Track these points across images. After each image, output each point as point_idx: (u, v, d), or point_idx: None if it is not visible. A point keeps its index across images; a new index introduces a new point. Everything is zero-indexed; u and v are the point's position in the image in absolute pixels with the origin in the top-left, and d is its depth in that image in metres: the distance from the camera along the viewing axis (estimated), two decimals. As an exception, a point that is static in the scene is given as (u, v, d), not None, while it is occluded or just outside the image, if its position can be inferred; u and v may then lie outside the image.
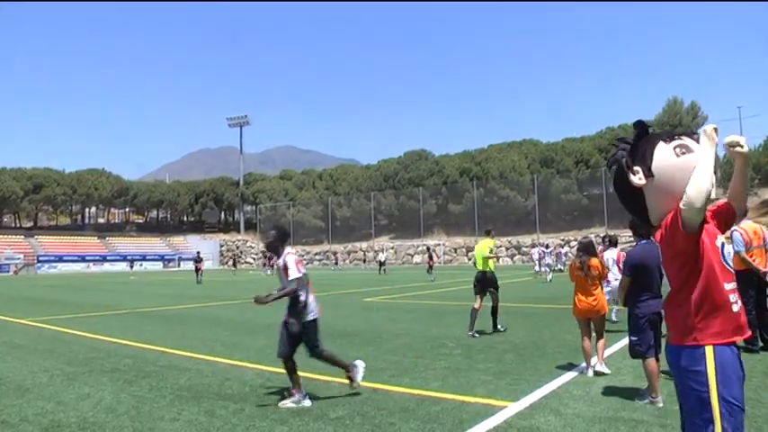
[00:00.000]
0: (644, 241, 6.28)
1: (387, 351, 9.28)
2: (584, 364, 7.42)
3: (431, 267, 34.53)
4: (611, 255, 11.14)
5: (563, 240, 56.40)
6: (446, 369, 7.70)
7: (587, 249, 7.60)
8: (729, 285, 2.71)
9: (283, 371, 6.30)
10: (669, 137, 2.80)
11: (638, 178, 2.78)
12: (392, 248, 72.06)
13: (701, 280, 2.69)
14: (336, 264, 63.98)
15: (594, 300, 7.38)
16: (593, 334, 7.46)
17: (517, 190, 68.65)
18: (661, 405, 5.77)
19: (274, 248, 6.58)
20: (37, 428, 5.42)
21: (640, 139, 2.84)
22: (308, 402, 6.07)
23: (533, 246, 47.16)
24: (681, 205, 2.56)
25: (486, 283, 11.37)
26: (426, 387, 6.69)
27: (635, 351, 6.12)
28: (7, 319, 15.32)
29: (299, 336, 6.37)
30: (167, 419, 5.63)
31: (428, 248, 40.31)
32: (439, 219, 74.69)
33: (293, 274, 6.28)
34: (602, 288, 7.55)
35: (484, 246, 11.54)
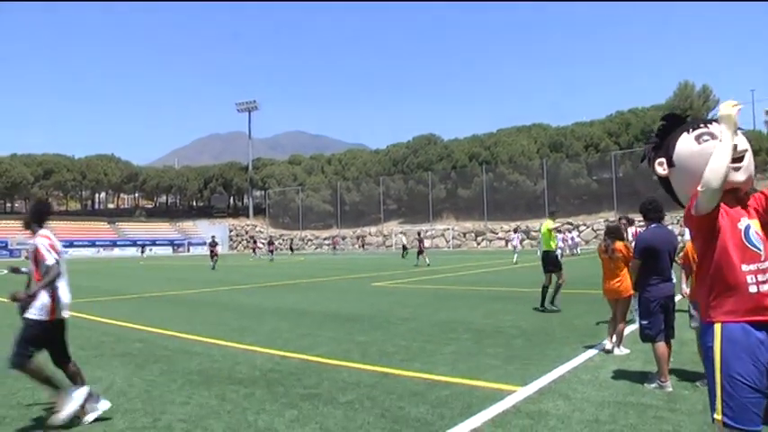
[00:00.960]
0: (654, 225, 6.29)
1: (395, 335, 9.30)
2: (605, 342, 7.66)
3: (421, 252, 34.57)
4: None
5: (572, 225, 56.23)
6: (455, 354, 7.71)
7: (614, 233, 7.87)
8: (749, 266, 2.69)
9: (295, 354, 6.29)
10: (695, 126, 2.90)
11: (661, 169, 2.97)
12: (401, 233, 72.09)
13: (715, 259, 2.74)
14: (335, 248, 63.94)
15: (618, 282, 7.63)
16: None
17: (526, 174, 68.36)
18: (670, 390, 5.77)
19: (27, 226, 5.69)
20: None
21: (668, 131, 3.00)
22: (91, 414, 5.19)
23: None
24: (699, 188, 2.64)
25: (547, 261, 12.10)
26: (435, 371, 6.71)
27: (645, 335, 6.12)
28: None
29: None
30: (178, 403, 5.67)
31: (419, 233, 40.16)
32: (448, 203, 74.57)
33: (49, 259, 5.30)
34: (628, 270, 7.53)
35: (545, 226, 12.38)
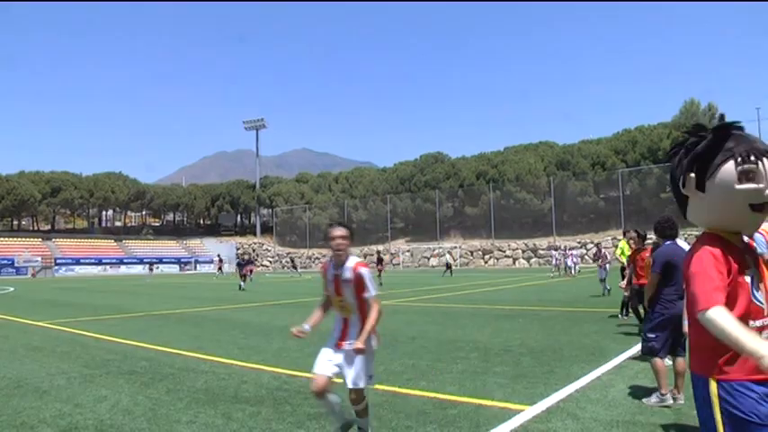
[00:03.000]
0: (668, 242, 6.30)
1: (403, 354, 9.26)
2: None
3: (379, 273, 32.50)
4: None
5: (579, 243, 56.12)
6: (463, 372, 7.66)
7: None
8: (756, 323, 2.48)
9: (302, 373, 6.22)
10: (745, 158, 2.44)
11: (688, 187, 2.56)
12: (408, 251, 72.01)
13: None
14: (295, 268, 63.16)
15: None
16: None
17: (533, 192, 68.35)
18: (671, 402, 5.76)
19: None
20: (55, 430, 5.45)
21: (714, 144, 2.54)
22: None
23: (554, 249, 47.78)
24: (708, 314, 2.32)
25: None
26: (443, 390, 6.66)
27: (649, 347, 6.07)
28: (26, 321, 15.46)
29: None
30: (184, 422, 5.64)
31: (377, 252, 39.02)
32: (455, 221, 74.56)
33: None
34: None
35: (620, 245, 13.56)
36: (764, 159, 2.44)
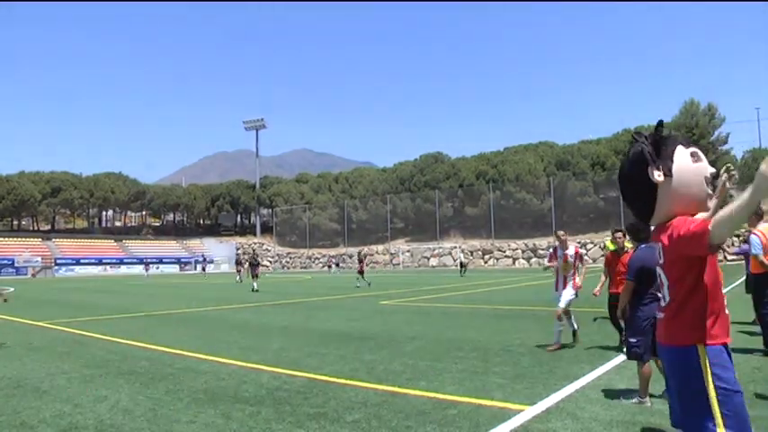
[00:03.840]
0: (643, 245, 6.27)
1: (403, 354, 9.26)
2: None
3: (361, 272, 31.23)
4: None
5: (579, 243, 56.08)
6: (462, 372, 7.67)
7: None
8: (723, 290, 2.88)
9: (302, 373, 6.26)
10: (686, 143, 2.93)
11: (657, 175, 2.84)
12: (408, 251, 72.00)
13: (706, 287, 2.80)
14: (338, 266, 63.28)
15: None
16: None
17: (533, 192, 68.34)
18: (649, 405, 5.85)
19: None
20: (55, 430, 5.45)
21: (659, 138, 2.92)
22: None
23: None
24: (711, 227, 2.56)
25: None
26: (443, 390, 6.66)
27: (633, 353, 6.08)
28: (26, 321, 15.46)
29: None
30: (184, 422, 5.64)
31: (359, 253, 37.62)
32: (455, 222, 74.56)
33: None
34: None
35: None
36: (695, 146, 2.96)
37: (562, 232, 10.08)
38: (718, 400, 2.70)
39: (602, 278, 9.80)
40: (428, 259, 69.52)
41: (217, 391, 6.93)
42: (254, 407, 6.14)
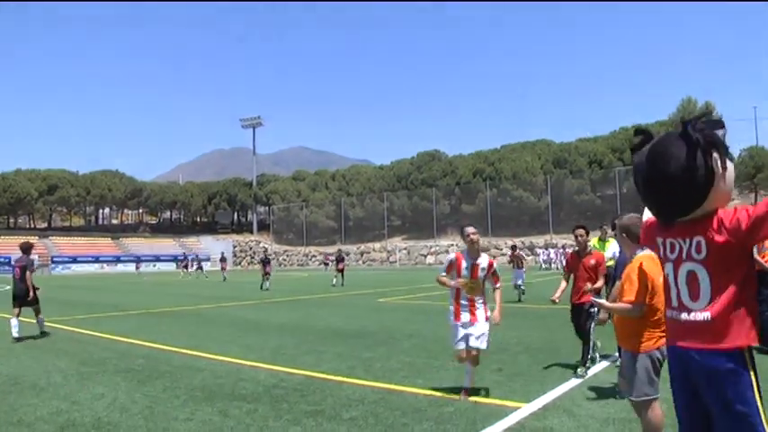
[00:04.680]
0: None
1: (400, 352, 9.28)
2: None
3: (340, 272, 30.23)
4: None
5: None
6: (459, 370, 7.66)
7: None
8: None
9: (299, 371, 6.27)
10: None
11: (720, 165, 2.63)
12: (405, 249, 72.01)
13: (754, 280, 2.68)
14: (327, 265, 61.51)
15: None
16: None
17: (530, 190, 68.33)
18: None
19: None
20: (52, 427, 5.46)
21: (718, 125, 2.76)
22: None
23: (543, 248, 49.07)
24: None
25: None
26: (439, 388, 6.68)
27: None
28: (23, 319, 15.40)
29: None
30: (181, 419, 5.65)
31: (339, 251, 35.54)
32: (452, 219, 74.52)
33: None
34: None
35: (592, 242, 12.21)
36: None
37: (472, 229, 6.64)
38: (764, 409, 2.58)
39: (563, 284, 8.19)
40: (425, 257, 69.49)
41: (214, 388, 6.94)
42: (251, 404, 6.15)
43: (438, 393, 6.44)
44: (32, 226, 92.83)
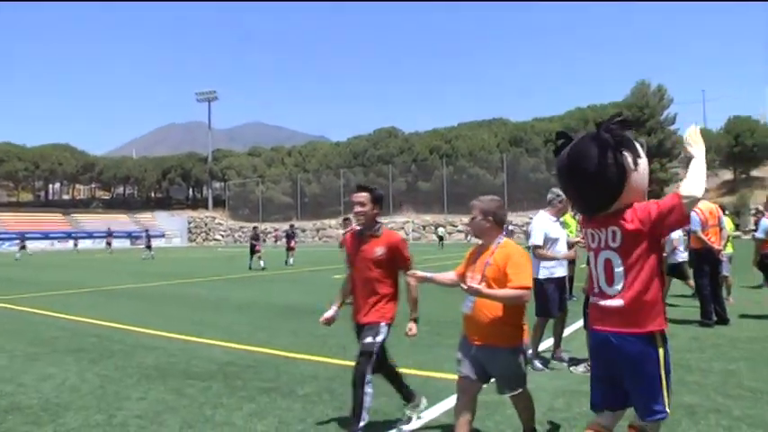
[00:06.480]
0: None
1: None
2: None
3: (290, 250, 28.65)
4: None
5: (531, 218, 56.88)
6: (413, 345, 7.72)
7: None
8: None
9: (253, 348, 6.24)
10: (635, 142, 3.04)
11: (632, 163, 2.93)
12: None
13: (662, 271, 2.97)
14: (276, 241, 60.00)
15: None
16: None
17: (486, 168, 68.94)
18: None
19: None
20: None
21: (628, 127, 3.00)
22: None
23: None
24: (683, 200, 2.78)
25: None
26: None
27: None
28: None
29: None
30: (134, 399, 5.59)
31: (291, 226, 34.81)
32: (408, 196, 74.77)
33: None
34: None
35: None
36: None
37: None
38: (666, 383, 2.91)
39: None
40: (381, 234, 69.69)
41: (167, 366, 6.88)
42: (205, 382, 6.11)
43: (393, 369, 6.49)
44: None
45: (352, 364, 6.77)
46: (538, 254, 6.43)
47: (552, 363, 6.77)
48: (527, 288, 3.69)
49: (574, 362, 6.55)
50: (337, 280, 18.47)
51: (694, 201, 2.78)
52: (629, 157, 2.91)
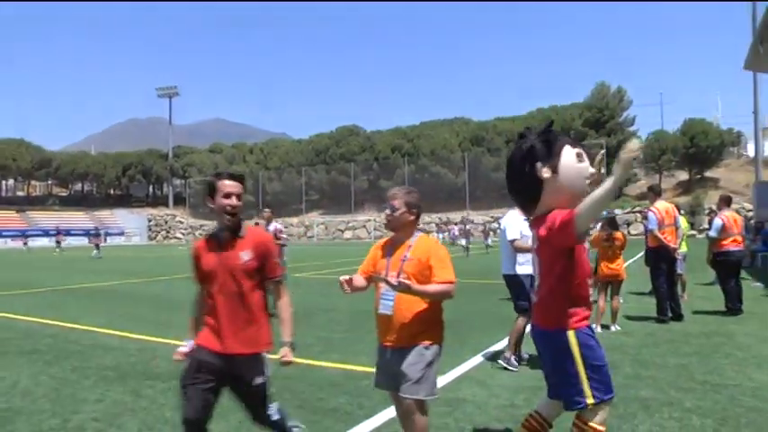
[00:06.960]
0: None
1: (316, 327, 9.30)
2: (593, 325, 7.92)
3: None
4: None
5: (492, 217, 57.37)
6: (375, 344, 7.74)
7: (612, 224, 8.75)
8: (590, 280, 3.27)
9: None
10: (573, 143, 3.13)
11: (545, 171, 3.03)
12: (323, 224, 71.89)
13: (577, 275, 3.07)
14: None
15: (617, 266, 8.65)
16: (609, 294, 8.76)
17: (448, 167, 69.38)
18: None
19: None
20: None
21: (549, 136, 3.09)
22: None
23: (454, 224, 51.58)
24: (576, 216, 2.82)
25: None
26: (355, 362, 6.75)
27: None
28: None
29: None
30: (91, 401, 5.48)
31: (256, 224, 34.58)
32: (370, 195, 74.80)
33: None
34: (622, 258, 8.81)
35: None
36: (582, 146, 3.19)
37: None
38: (588, 377, 3.03)
39: None
40: (342, 232, 69.63)
41: (126, 367, 6.78)
42: (165, 383, 6.03)
43: (354, 367, 6.51)
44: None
45: (314, 362, 6.79)
46: (517, 245, 6.51)
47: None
48: (452, 282, 3.65)
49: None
50: (298, 278, 18.40)
51: (590, 219, 2.89)
52: (542, 168, 3.02)
